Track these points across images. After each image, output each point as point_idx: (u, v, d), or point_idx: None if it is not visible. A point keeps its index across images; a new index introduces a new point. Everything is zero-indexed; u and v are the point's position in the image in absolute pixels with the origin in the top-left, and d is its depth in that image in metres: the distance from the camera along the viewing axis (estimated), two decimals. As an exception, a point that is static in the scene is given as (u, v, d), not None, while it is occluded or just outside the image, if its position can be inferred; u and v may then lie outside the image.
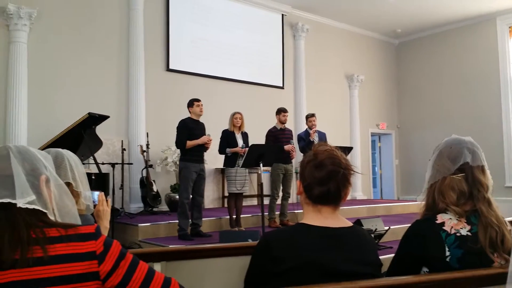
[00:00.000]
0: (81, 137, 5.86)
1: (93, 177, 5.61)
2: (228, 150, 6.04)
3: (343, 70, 11.82)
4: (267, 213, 6.35)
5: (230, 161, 6.07)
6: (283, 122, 6.68)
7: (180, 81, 8.83)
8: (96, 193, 2.12)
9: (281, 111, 6.71)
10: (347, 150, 6.54)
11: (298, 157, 8.22)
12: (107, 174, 6.34)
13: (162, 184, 8.09)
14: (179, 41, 8.94)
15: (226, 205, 7.47)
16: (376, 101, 12.58)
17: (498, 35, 11.09)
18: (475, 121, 11.06)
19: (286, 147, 6.43)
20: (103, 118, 6.19)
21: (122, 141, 7.64)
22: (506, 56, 10.96)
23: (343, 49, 11.84)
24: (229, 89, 9.50)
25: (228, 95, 9.34)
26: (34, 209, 1.13)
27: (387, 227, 4.96)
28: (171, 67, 8.80)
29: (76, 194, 1.96)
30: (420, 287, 1.38)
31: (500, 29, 11.08)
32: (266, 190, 7.18)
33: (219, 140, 6.18)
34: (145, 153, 7.60)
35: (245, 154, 5.54)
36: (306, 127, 7.03)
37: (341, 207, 1.51)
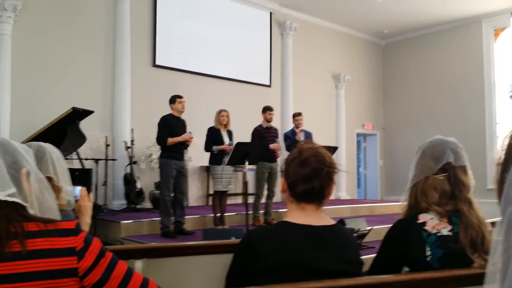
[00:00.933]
0: (65, 132, 5.80)
1: (76, 173, 5.54)
2: (215, 147, 6.01)
3: (330, 69, 11.87)
4: (251, 212, 6.35)
5: (216, 159, 6.04)
6: (268, 121, 6.68)
7: (166, 77, 8.77)
8: (78, 188, 2.09)
9: (266, 109, 6.70)
10: (332, 149, 6.56)
11: (284, 155, 8.24)
12: (90, 170, 6.28)
13: (146, 181, 8.03)
14: (167, 37, 8.88)
15: (210, 203, 7.44)
16: (362, 101, 12.66)
17: (484, 37, 11.25)
18: (459, 122, 11.21)
19: (272, 145, 6.43)
20: (87, 113, 6.13)
21: (106, 136, 7.56)
22: (491, 59, 11.13)
23: (331, 49, 11.89)
24: (215, 86, 9.47)
25: (214, 92, 9.31)
26: (13, 202, 1.11)
27: (370, 227, 5.00)
28: (157, 63, 8.73)
29: (57, 189, 1.94)
30: (400, 286, 1.38)
31: (485, 32, 11.24)
32: (251, 188, 7.18)
33: (205, 137, 6.15)
34: (129, 149, 7.53)
35: (231, 152, 5.53)
36: (293, 125, 7.04)
37: (324, 207, 1.51)
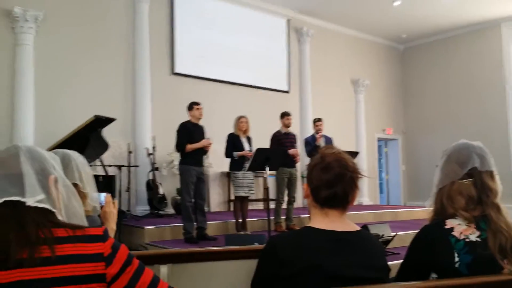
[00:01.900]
0: (88, 139, 5.88)
1: (100, 179, 5.63)
2: (235, 153, 6.03)
3: (349, 74, 11.81)
4: (273, 217, 6.33)
5: (237, 165, 6.06)
6: (287, 126, 6.67)
7: (185, 84, 8.85)
8: (103, 194, 2.12)
9: (284, 115, 6.70)
10: (353, 155, 6.50)
11: (304, 161, 8.21)
12: (113, 177, 6.36)
13: (168, 187, 8.10)
14: (185, 45, 8.97)
15: (232, 208, 7.46)
16: (382, 106, 12.55)
17: (503, 40, 11.10)
18: (482, 126, 11.01)
19: (291, 151, 6.42)
20: (109, 120, 6.21)
21: (128, 143, 7.66)
22: (511, 62, 10.93)
23: (348, 54, 11.83)
24: (234, 93, 9.51)
25: (233, 99, 9.35)
26: (42, 208, 1.13)
27: (394, 233, 4.93)
28: (176, 70, 8.83)
29: (82, 195, 1.97)
30: (428, 293, 1.36)
31: (505, 35, 11.09)
32: (272, 194, 7.16)
33: (225, 143, 6.18)
34: (151, 156, 7.61)
35: (251, 157, 5.53)
36: (313, 131, 7.02)
37: (347, 213, 1.50)
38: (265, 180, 5.66)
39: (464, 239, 1.51)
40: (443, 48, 12.19)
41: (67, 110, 7.35)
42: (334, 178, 1.42)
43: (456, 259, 1.49)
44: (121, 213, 6.20)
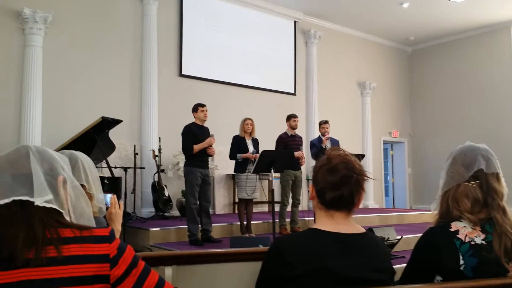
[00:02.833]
0: (94, 140, 5.91)
1: (105, 181, 5.65)
2: (239, 155, 6.04)
3: (356, 77, 11.79)
4: (277, 220, 6.33)
5: (241, 167, 6.06)
6: (293, 128, 6.67)
7: (192, 86, 8.87)
8: (109, 195, 2.13)
9: (291, 117, 6.70)
10: (359, 157, 6.49)
11: (309, 163, 8.20)
12: (119, 178, 6.37)
13: (174, 189, 8.12)
14: (192, 46, 9.00)
15: (236, 211, 7.46)
16: (389, 108, 12.52)
17: (513, 44, 11.02)
18: (489, 129, 10.95)
19: (296, 153, 6.41)
20: (116, 122, 6.24)
21: (134, 145, 7.68)
22: (521, 65, 10.88)
23: (356, 56, 11.82)
24: (241, 95, 9.53)
25: (240, 101, 9.36)
26: (50, 208, 1.13)
27: (400, 236, 4.91)
28: (184, 72, 8.86)
29: (89, 196, 1.98)
30: (433, 296, 1.35)
31: (514, 38, 11.00)
32: (277, 196, 7.16)
33: (230, 145, 6.18)
34: (157, 158, 7.63)
35: (257, 160, 5.53)
36: (319, 133, 7.01)
37: (352, 215, 1.50)
38: (270, 182, 5.66)
39: (469, 241, 1.50)
40: (451, 50, 12.14)
41: (75, 111, 7.40)
42: (340, 180, 1.42)
43: (461, 261, 1.48)
44: (126, 215, 6.22)
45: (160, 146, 7.78)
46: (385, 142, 12.56)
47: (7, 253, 1.04)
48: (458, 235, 1.52)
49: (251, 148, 6.11)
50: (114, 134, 6.50)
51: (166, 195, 7.68)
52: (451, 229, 1.54)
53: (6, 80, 7.02)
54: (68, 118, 7.27)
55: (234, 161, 6.20)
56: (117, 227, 2.10)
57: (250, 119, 6.22)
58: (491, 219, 1.55)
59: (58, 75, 7.43)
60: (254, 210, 6.49)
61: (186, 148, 5.61)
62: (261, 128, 6.79)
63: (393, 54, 12.83)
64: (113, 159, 7.10)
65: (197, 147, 5.56)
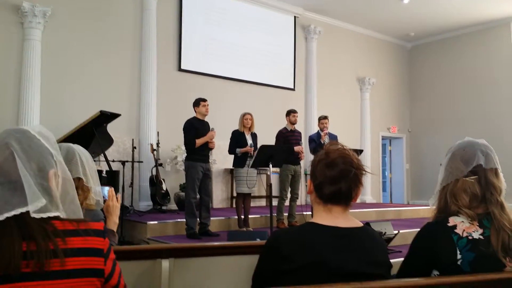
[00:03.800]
0: (93, 134, 5.90)
1: (103, 174, 5.64)
2: (238, 150, 6.04)
3: (355, 72, 11.78)
4: (275, 214, 6.34)
5: (240, 161, 6.06)
6: (293, 123, 6.68)
7: (191, 81, 8.85)
8: (106, 188, 2.13)
9: (290, 112, 6.71)
10: (358, 152, 6.49)
11: (308, 158, 8.21)
12: (117, 172, 6.38)
13: (172, 183, 8.12)
14: (192, 41, 8.97)
15: (234, 205, 7.47)
16: (388, 104, 12.52)
17: (513, 40, 11.00)
18: (488, 125, 10.96)
19: (296, 148, 6.42)
20: (114, 116, 6.23)
21: (132, 139, 7.68)
22: (521, 61, 10.87)
23: (355, 52, 11.80)
24: (240, 90, 9.51)
25: (239, 96, 9.35)
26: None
27: (396, 231, 4.92)
28: (183, 67, 8.83)
29: (86, 189, 1.98)
30: (430, 290, 1.36)
31: (514, 34, 10.98)
32: (275, 191, 7.16)
33: (229, 140, 6.18)
34: (155, 152, 7.63)
35: (255, 154, 5.54)
36: (318, 129, 7.02)
37: (350, 210, 1.50)
38: (268, 177, 5.66)
39: (466, 236, 1.50)
40: (451, 46, 12.13)
41: (73, 105, 7.38)
42: (339, 175, 1.42)
43: (459, 256, 1.48)
44: (124, 208, 6.22)
45: (158, 140, 7.77)
46: (383, 138, 12.58)
47: (6, 267, 1.01)
48: (455, 230, 1.52)
49: (250, 142, 6.11)
50: (112, 128, 6.48)
51: (164, 189, 7.68)
52: (449, 224, 1.54)
53: (5, 74, 7.00)
54: (66, 112, 7.25)
55: (232, 156, 6.20)
56: (115, 220, 2.11)
57: (249, 113, 6.22)
58: (489, 214, 1.55)
59: (57, 69, 7.40)
60: (252, 204, 6.49)
61: (188, 143, 5.62)
62: (260, 123, 6.78)
63: (393, 50, 12.82)
64: (111, 153, 7.09)
65: (199, 141, 5.57)
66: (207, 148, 5.70)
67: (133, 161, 7.38)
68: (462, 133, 9.55)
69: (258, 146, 5.79)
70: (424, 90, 12.73)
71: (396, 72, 12.84)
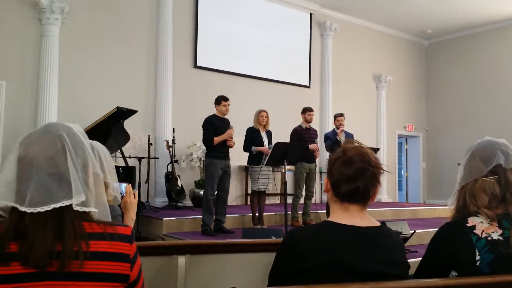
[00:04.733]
0: (109, 130, 5.96)
1: (120, 170, 5.70)
2: (254, 148, 6.04)
3: (371, 70, 11.69)
4: (290, 212, 6.33)
5: (255, 159, 6.07)
6: (308, 121, 6.65)
7: (207, 78, 8.88)
8: (124, 185, 2.15)
9: (306, 110, 6.69)
10: (374, 151, 6.44)
11: (323, 156, 8.18)
12: (133, 168, 6.43)
13: (187, 179, 8.16)
14: (207, 38, 8.99)
15: (249, 202, 7.48)
16: (404, 102, 12.39)
17: (533, 38, 10.80)
18: (506, 124, 10.78)
19: (311, 146, 6.40)
20: (131, 112, 6.29)
21: (149, 136, 7.73)
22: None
23: (372, 49, 11.70)
24: (255, 87, 9.51)
25: (254, 93, 9.35)
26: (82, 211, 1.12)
27: (413, 231, 4.88)
28: (198, 64, 8.86)
29: (104, 185, 1.99)
30: (448, 291, 1.34)
31: (535, 32, 10.78)
32: (290, 189, 7.15)
33: (244, 137, 6.18)
34: (171, 149, 7.68)
35: (270, 152, 5.54)
36: (334, 126, 6.98)
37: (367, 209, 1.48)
38: (282, 174, 5.65)
39: (486, 237, 1.48)
40: (469, 44, 11.95)
41: (90, 102, 7.46)
42: (356, 173, 1.41)
43: (477, 257, 1.46)
44: (140, 204, 6.27)
45: (174, 137, 7.82)
46: (399, 136, 12.46)
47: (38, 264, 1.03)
48: (474, 231, 1.50)
49: (265, 140, 6.11)
50: (129, 124, 6.54)
51: (179, 185, 7.73)
52: (468, 224, 1.52)
53: (23, 70, 7.10)
54: (83, 108, 7.33)
55: (247, 153, 6.21)
56: (132, 216, 2.12)
57: (265, 111, 6.21)
58: (509, 215, 1.53)
59: (74, 66, 7.49)
60: (266, 202, 6.50)
61: (207, 140, 5.65)
62: (274, 120, 6.77)
63: (410, 47, 12.67)
64: (127, 149, 7.15)
65: (217, 139, 5.60)
66: (226, 145, 5.71)
67: (149, 158, 7.44)
68: (479, 132, 9.43)
69: (273, 143, 5.79)
70: (441, 88, 12.56)
71: (413, 70, 12.70)
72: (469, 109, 11.79)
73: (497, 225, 1.51)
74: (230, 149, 5.85)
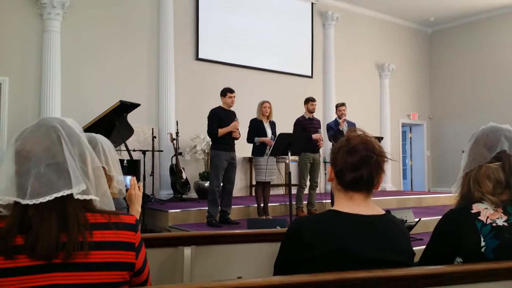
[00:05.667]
0: (113, 124, 5.98)
1: (124, 164, 5.72)
2: (257, 139, 6.04)
3: (374, 59, 11.63)
4: (294, 202, 6.34)
5: (259, 150, 6.07)
6: (311, 111, 6.64)
7: (209, 70, 8.86)
8: (128, 177, 2.15)
9: (309, 100, 6.67)
10: (378, 140, 6.43)
11: (326, 146, 8.17)
12: (138, 161, 6.45)
13: (191, 171, 8.19)
14: (209, 30, 8.96)
15: (253, 193, 7.50)
16: (408, 91, 12.34)
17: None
18: (510, 110, 10.72)
19: (314, 136, 6.40)
20: (134, 106, 6.29)
21: (152, 128, 7.75)
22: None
23: (374, 38, 11.63)
24: (257, 78, 9.48)
25: (256, 84, 9.33)
26: (84, 200, 1.13)
27: (418, 219, 4.88)
28: (200, 56, 8.84)
29: (109, 178, 2.00)
30: (453, 278, 1.34)
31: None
32: (294, 179, 7.16)
33: (248, 129, 6.18)
34: (174, 141, 7.69)
35: (274, 142, 5.54)
36: (336, 116, 6.97)
37: (371, 198, 1.48)
38: (286, 165, 5.66)
39: (490, 223, 1.48)
40: (472, 31, 11.85)
41: (93, 95, 7.47)
42: (360, 161, 1.40)
43: (482, 243, 1.47)
44: (145, 197, 6.30)
45: (177, 130, 7.83)
46: (403, 125, 12.42)
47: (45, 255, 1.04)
48: (479, 217, 1.50)
49: (268, 131, 6.10)
50: (132, 117, 6.56)
51: (184, 177, 7.76)
52: (473, 211, 1.52)
53: (26, 66, 7.10)
54: (87, 102, 7.35)
55: (251, 144, 6.21)
56: (137, 208, 2.13)
57: (268, 102, 6.20)
58: (514, 201, 1.52)
59: (76, 60, 7.49)
60: (271, 192, 6.51)
61: (211, 132, 5.66)
62: (277, 111, 6.77)
63: (413, 35, 12.59)
64: (132, 142, 7.17)
65: (221, 131, 5.61)
66: (231, 137, 5.72)
67: (153, 150, 7.46)
68: (483, 119, 9.36)
69: (277, 134, 5.79)
70: (445, 76, 12.49)
71: (416, 58, 12.62)
72: (472, 96, 11.73)
73: (501, 211, 1.51)
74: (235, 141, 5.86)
